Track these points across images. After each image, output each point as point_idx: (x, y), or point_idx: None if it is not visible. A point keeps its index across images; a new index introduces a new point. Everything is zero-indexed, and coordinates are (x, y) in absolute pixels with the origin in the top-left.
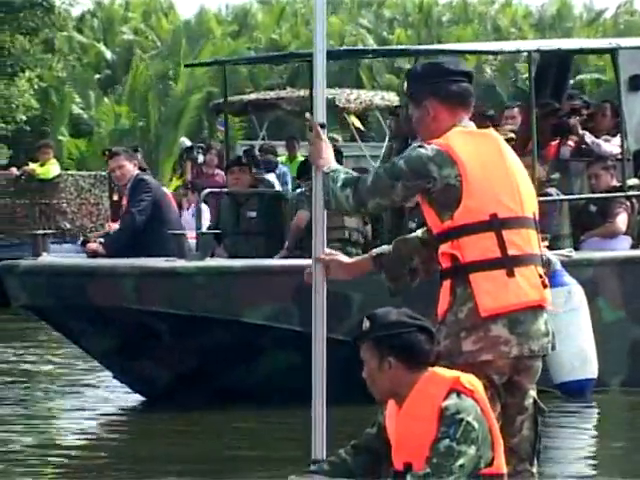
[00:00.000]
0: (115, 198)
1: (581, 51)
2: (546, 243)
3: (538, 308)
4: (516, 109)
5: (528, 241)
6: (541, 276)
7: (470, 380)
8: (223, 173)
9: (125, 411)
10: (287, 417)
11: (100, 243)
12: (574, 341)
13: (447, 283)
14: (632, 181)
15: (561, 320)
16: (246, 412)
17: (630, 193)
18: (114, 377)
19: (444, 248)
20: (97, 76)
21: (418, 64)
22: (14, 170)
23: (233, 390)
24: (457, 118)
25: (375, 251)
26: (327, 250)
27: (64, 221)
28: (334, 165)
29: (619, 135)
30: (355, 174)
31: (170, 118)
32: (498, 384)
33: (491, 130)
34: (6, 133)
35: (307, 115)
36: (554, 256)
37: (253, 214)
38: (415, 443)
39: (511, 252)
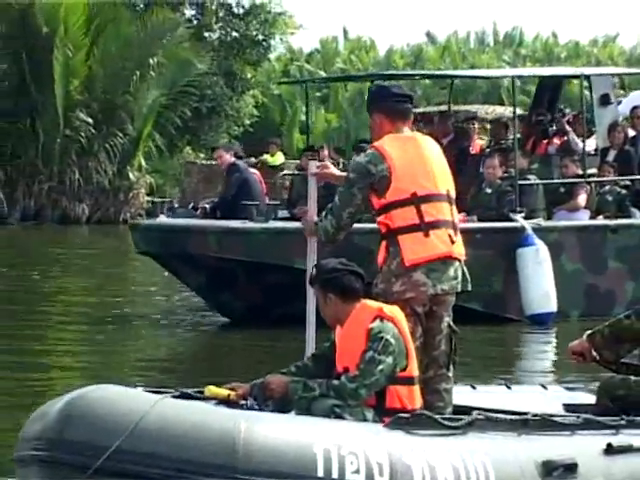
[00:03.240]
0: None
1: (556, 77)
2: (522, 214)
3: (448, 259)
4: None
5: (440, 211)
6: (450, 236)
7: (391, 309)
8: None
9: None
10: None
11: (204, 208)
12: (539, 285)
13: (383, 243)
14: (591, 170)
15: (530, 270)
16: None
17: (589, 179)
18: (205, 304)
19: (380, 219)
20: (317, 94)
21: (374, 86)
22: (252, 159)
23: (291, 319)
24: (396, 128)
25: None
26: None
27: (285, 193)
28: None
29: (592, 137)
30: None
31: (365, 124)
32: (420, 313)
33: (416, 134)
34: (237, 134)
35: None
36: (527, 223)
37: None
38: (351, 354)
39: (427, 219)
